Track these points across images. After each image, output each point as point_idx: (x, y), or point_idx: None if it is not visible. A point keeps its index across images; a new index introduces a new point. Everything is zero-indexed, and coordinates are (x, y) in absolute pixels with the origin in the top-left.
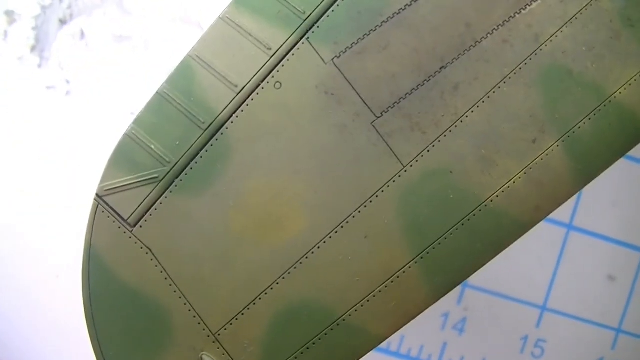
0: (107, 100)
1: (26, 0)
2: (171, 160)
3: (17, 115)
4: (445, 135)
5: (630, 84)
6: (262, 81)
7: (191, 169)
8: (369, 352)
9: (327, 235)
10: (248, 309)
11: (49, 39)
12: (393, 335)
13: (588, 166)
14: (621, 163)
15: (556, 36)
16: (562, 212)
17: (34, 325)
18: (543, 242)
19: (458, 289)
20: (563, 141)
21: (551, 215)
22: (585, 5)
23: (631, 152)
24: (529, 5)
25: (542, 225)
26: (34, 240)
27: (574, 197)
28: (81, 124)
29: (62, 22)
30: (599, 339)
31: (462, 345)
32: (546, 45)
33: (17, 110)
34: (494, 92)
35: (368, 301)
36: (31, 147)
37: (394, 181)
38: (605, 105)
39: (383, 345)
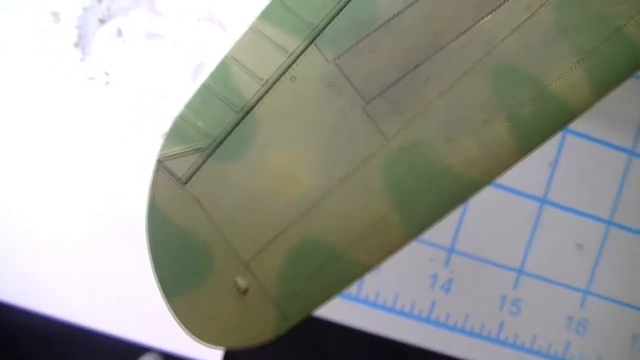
0: (141, 89)
1: (70, 2)
2: (213, 135)
3: (61, 103)
4: (418, 118)
5: (561, 78)
6: (281, 76)
7: (228, 141)
8: (360, 278)
9: (329, 190)
10: (271, 244)
11: (89, 36)
12: (388, 294)
13: (528, 142)
14: (588, 146)
15: (505, 41)
16: (536, 188)
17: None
18: (520, 214)
19: (445, 255)
20: (509, 122)
21: (527, 191)
22: (529, 17)
23: (597, 136)
24: (484, 18)
25: (519, 200)
26: (72, 221)
27: (548, 176)
28: (119, 110)
29: (101, 21)
30: (569, 299)
31: (448, 303)
32: (497, 48)
33: (61, 98)
34: (455, 85)
35: (360, 239)
36: (74, 131)
37: (380, 152)
38: (541, 95)
39: (380, 302)
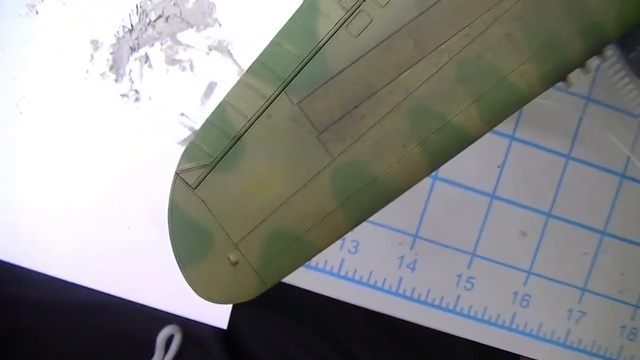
0: (164, 105)
1: (106, 33)
2: (214, 155)
3: (99, 116)
4: (355, 143)
5: (460, 115)
6: (261, 115)
7: (224, 160)
8: (314, 256)
9: (294, 194)
10: (253, 231)
11: (123, 61)
12: (364, 271)
13: (435, 160)
14: (531, 151)
15: (419, 89)
16: (487, 186)
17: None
18: (474, 207)
19: (411, 239)
20: (421, 146)
21: (480, 188)
22: (436, 71)
23: (539, 143)
24: (404, 73)
25: (473, 195)
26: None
27: (497, 176)
28: (146, 122)
29: (132, 49)
30: (514, 277)
31: (413, 280)
32: (413, 94)
33: (99, 112)
34: (382, 120)
35: (315, 228)
36: (109, 140)
37: (328, 166)
38: (445, 126)
39: (356, 277)
